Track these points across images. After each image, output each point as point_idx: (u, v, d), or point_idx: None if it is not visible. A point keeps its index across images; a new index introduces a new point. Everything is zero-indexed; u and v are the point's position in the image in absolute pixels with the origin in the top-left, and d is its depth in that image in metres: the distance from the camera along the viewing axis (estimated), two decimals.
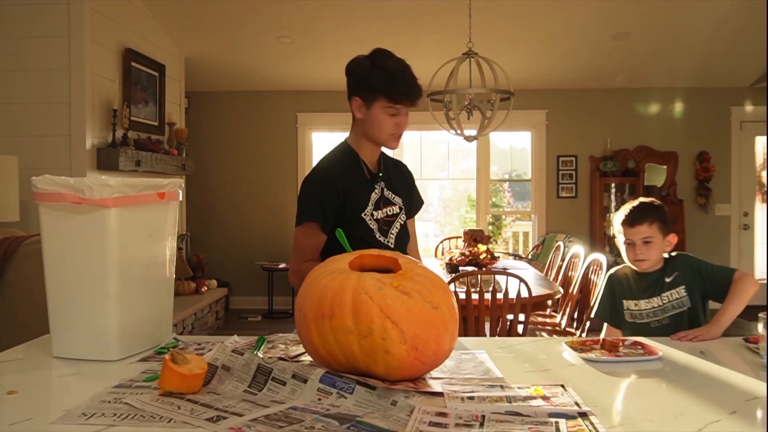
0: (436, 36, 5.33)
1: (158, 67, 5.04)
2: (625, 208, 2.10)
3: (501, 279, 3.56)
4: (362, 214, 1.85)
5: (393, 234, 1.91)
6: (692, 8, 4.99)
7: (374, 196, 1.89)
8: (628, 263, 2.14)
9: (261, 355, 1.36)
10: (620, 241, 2.10)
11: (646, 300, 2.06)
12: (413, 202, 2.06)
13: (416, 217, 2.13)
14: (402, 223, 1.95)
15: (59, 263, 1.49)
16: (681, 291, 2.00)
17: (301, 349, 1.50)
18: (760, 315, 1.46)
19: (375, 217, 1.88)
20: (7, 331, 2.26)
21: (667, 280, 2.03)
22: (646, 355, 1.51)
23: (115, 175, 4.22)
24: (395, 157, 2.12)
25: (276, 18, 5.15)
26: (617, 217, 2.10)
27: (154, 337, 1.61)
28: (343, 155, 1.91)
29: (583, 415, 1.08)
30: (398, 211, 1.94)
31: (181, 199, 1.68)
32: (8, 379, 1.35)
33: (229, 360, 1.28)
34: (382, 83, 1.74)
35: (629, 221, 2.06)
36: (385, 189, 1.92)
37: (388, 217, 1.91)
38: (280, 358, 1.40)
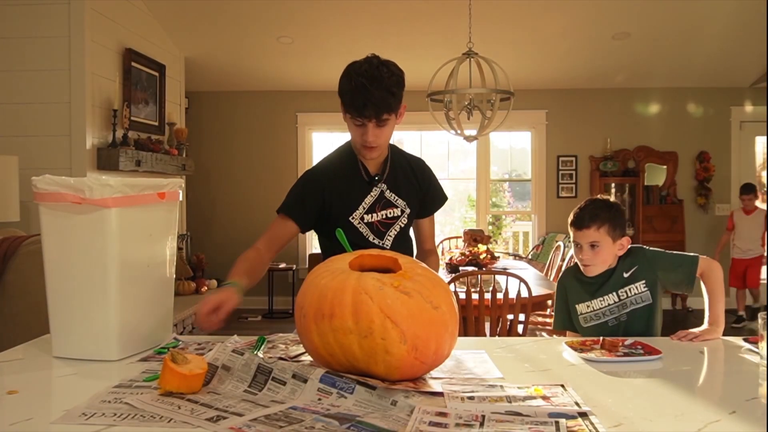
0: (436, 36, 5.33)
1: (158, 67, 5.04)
2: (578, 206, 1.98)
3: (501, 279, 3.56)
4: (350, 218, 1.85)
5: (391, 236, 1.90)
6: (692, 8, 4.99)
7: (369, 199, 1.87)
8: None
9: (261, 355, 1.36)
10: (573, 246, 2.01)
11: (600, 298, 1.94)
12: (428, 201, 2.02)
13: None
14: (403, 225, 1.93)
15: (59, 263, 1.49)
16: (641, 286, 1.89)
17: (301, 349, 1.50)
18: (760, 315, 1.46)
19: (366, 221, 1.86)
20: (7, 331, 2.26)
21: (626, 275, 1.92)
22: (645, 354, 1.51)
23: (116, 175, 4.22)
24: (415, 156, 2.06)
25: (276, 18, 5.15)
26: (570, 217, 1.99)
27: (154, 337, 1.61)
28: (341, 156, 1.92)
29: (583, 415, 1.08)
30: (399, 213, 1.91)
31: (181, 199, 1.68)
32: (8, 379, 1.35)
33: (229, 360, 1.28)
34: (344, 93, 1.73)
35: (576, 223, 1.93)
36: (387, 191, 1.90)
37: (386, 219, 1.89)
38: (280, 358, 1.40)
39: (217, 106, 6.77)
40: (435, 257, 2.03)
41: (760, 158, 6.82)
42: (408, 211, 1.93)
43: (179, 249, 5.40)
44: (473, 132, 4.38)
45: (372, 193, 1.88)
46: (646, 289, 1.89)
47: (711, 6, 4.97)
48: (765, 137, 6.62)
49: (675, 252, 1.96)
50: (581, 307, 1.97)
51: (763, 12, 4.61)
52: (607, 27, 5.32)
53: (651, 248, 1.96)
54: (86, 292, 1.47)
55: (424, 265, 1.40)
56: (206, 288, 5.65)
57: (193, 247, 6.04)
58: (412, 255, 1.97)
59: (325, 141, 7.06)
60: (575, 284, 2.01)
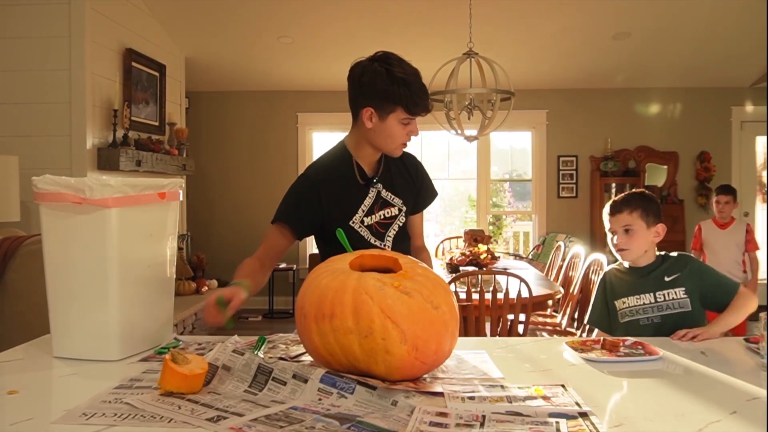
0: (437, 36, 5.33)
1: (158, 67, 5.04)
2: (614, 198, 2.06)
3: (501, 279, 3.56)
4: (350, 222, 1.82)
5: (390, 236, 1.88)
6: (692, 8, 4.99)
7: (368, 201, 1.85)
8: (618, 258, 2.07)
9: (261, 355, 1.36)
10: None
11: (636, 296, 1.97)
12: (421, 197, 2.00)
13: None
14: (401, 224, 1.92)
15: (60, 263, 1.49)
16: (681, 292, 1.92)
17: (301, 349, 1.50)
18: (760, 315, 1.46)
19: (366, 223, 1.85)
20: (8, 331, 2.26)
21: (667, 279, 1.95)
22: (646, 355, 1.51)
23: (116, 175, 4.22)
24: (408, 152, 2.02)
25: (276, 18, 5.15)
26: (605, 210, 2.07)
27: (155, 337, 1.61)
28: (337, 159, 1.87)
29: (584, 415, 1.08)
30: (397, 212, 1.90)
31: (181, 199, 1.68)
32: (8, 379, 1.35)
33: (230, 360, 1.28)
34: (404, 98, 1.70)
35: (611, 209, 2.02)
36: (384, 190, 1.88)
37: (385, 219, 1.88)
38: (281, 358, 1.40)
39: (217, 106, 6.77)
40: (426, 253, 2.03)
41: (760, 158, 6.82)
42: (405, 209, 1.92)
43: (179, 249, 5.40)
44: (473, 132, 4.38)
45: (370, 195, 1.86)
46: (685, 296, 1.91)
47: (711, 6, 4.97)
48: (765, 137, 6.62)
49: (722, 273, 1.99)
50: (618, 303, 2.01)
51: (764, 12, 4.61)
52: (607, 27, 5.32)
53: (700, 260, 2.01)
54: (86, 292, 1.47)
55: (424, 265, 1.40)
56: (206, 288, 5.65)
57: (193, 247, 6.04)
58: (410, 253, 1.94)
59: (325, 141, 7.05)
60: (616, 280, 2.05)
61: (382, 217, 1.87)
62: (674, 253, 2.04)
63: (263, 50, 5.79)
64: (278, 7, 4.98)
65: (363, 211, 1.84)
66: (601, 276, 2.16)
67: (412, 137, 1.81)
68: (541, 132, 6.75)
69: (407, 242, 1.98)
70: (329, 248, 1.81)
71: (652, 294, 1.95)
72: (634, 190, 2.09)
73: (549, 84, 6.53)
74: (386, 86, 1.69)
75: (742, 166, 6.69)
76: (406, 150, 2.00)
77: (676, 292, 1.93)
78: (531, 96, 6.41)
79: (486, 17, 4.76)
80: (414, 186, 1.97)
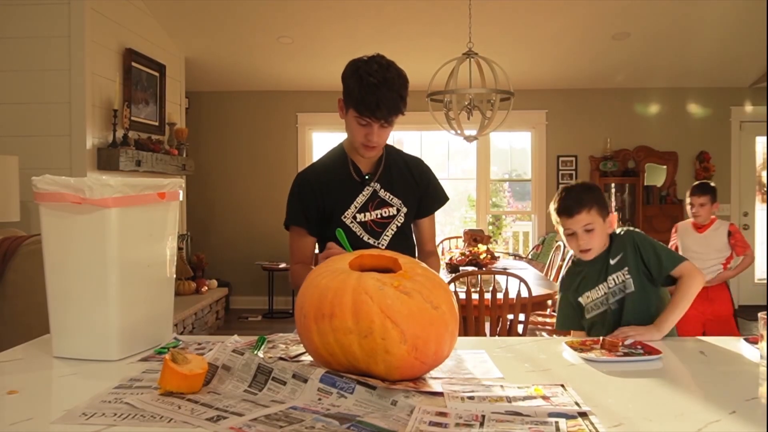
0: (436, 36, 5.33)
1: (158, 67, 5.04)
2: (558, 196, 1.92)
3: (501, 279, 3.56)
4: (342, 217, 1.84)
5: (387, 236, 1.88)
6: (692, 8, 4.99)
7: (361, 198, 1.86)
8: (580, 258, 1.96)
9: (261, 355, 1.36)
10: (561, 231, 1.97)
11: (594, 289, 1.90)
12: (427, 200, 1.99)
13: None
14: (399, 224, 1.91)
15: (59, 263, 1.49)
16: (624, 273, 1.84)
17: (301, 348, 1.50)
18: (760, 315, 1.46)
19: (360, 220, 1.86)
20: (7, 331, 2.26)
21: (612, 261, 1.87)
22: (646, 355, 1.51)
23: (116, 175, 4.22)
24: (413, 155, 2.04)
25: (276, 18, 5.15)
26: (552, 207, 1.93)
27: (155, 337, 1.61)
28: (332, 157, 1.93)
29: (583, 414, 1.08)
30: (395, 212, 1.90)
31: (181, 199, 1.68)
32: (8, 379, 1.35)
33: (230, 360, 1.28)
34: (354, 93, 1.71)
35: (566, 211, 1.88)
36: (381, 190, 1.89)
37: (381, 218, 1.88)
38: (281, 358, 1.40)
39: (217, 106, 6.77)
40: (435, 258, 2.02)
41: (760, 158, 6.82)
42: (405, 210, 1.91)
43: (179, 249, 5.41)
44: (473, 132, 4.38)
45: (364, 192, 1.87)
46: (628, 276, 1.84)
47: (711, 6, 4.98)
48: (765, 137, 6.62)
49: (665, 248, 1.89)
50: (583, 299, 1.95)
51: (763, 12, 4.61)
52: (607, 27, 5.32)
53: (643, 234, 1.90)
54: (86, 292, 1.47)
55: (424, 265, 1.40)
56: (206, 288, 5.66)
57: (193, 247, 6.04)
58: (413, 256, 1.93)
59: (325, 141, 7.05)
60: (575, 276, 1.98)
61: (379, 216, 1.88)
62: (619, 230, 1.94)
63: (263, 50, 5.79)
64: (278, 7, 4.98)
65: (355, 207, 1.86)
66: (559, 280, 2.09)
67: (374, 144, 1.78)
68: (540, 132, 6.75)
69: (409, 244, 1.97)
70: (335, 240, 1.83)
71: (604, 283, 1.88)
72: (574, 183, 1.96)
73: (548, 84, 6.53)
74: (348, 81, 1.74)
75: (742, 166, 6.69)
76: (413, 155, 2.04)
77: (622, 274, 1.85)
78: (530, 96, 6.42)
79: (485, 17, 4.76)
80: (417, 189, 1.96)
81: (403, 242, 1.92)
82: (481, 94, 4.20)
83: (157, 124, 5.04)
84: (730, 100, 6.58)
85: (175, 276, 1.71)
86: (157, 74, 5.03)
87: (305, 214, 1.88)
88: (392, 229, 1.89)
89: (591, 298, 1.93)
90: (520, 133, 7.12)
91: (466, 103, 4.26)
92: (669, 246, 3.41)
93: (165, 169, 4.87)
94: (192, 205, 6.26)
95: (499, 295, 3.31)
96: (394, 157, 1.96)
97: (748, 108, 6.57)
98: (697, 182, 3.89)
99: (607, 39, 5.51)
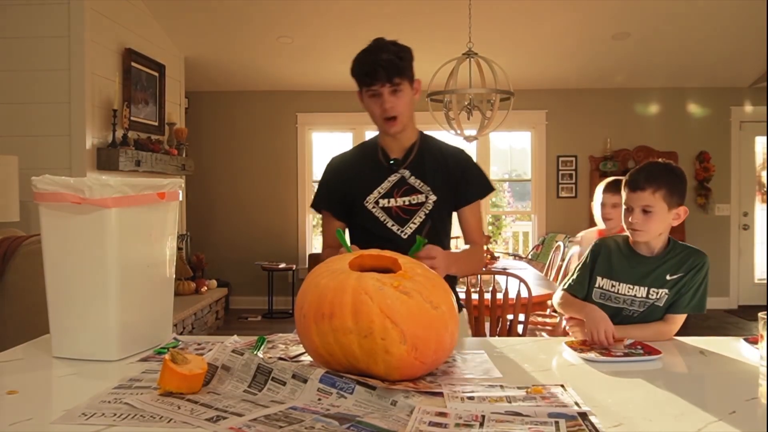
0: (436, 36, 5.33)
1: (158, 67, 5.04)
2: (634, 168, 1.80)
3: (501, 279, 3.56)
4: (364, 202, 1.84)
5: (414, 224, 1.82)
6: (692, 8, 4.99)
7: (387, 184, 1.84)
8: (626, 232, 1.82)
9: (261, 355, 1.36)
10: (596, 208, 1.83)
11: (630, 285, 1.76)
12: (462, 188, 1.88)
13: None
14: (428, 212, 1.83)
15: (59, 263, 1.49)
16: (666, 293, 1.75)
17: (301, 349, 1.50)
18: (760, 315, 1.45)
19: (383, 205, 1.83)
20: (7, 331, 2.26)
21: (669, 277, 1.74)
22: (646, 355, 1.51)
23: (115, 175, 4.22)
24: (453, 145, 1.97)
25: (276, 18, 5.15)
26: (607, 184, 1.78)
27: (154, 337, 1.61)
28: (364, 144, 1.98)
29: (583, 415, 1.08)
30: (423, 200, 1.84)
31: (181, 199, 1.68)
32: (8, 379, 1.35)
33: (229, 360, 1.28)
34: (355, 70, 1.77)
35: (631, 184, 1.75)
36: (411, 177, 1.85)
37: (408, 205, 1.84)
38: (280, 358, 1.40)
39: (217, 106, 6.77)
40: (474, 247, 1.90)
41: (759, 158, 6.83)
42: (434, 198, 1.83)
43: (179, 249, 5.41)
44: (473, 132, 4.38)
45: (390, 178, 1.85)
46: (666, 296, 1.74)
47: (711, 6, 4.98)
48: (765, 137, 6.62)
49: (703, 292, 1.75)
50: (603, 282, 1.80)
51: (763, 12, 4.62)
52: (606, 27, 5.32)
53: (706, 269, 1.76)
54: (86, 292, 1.47)
55: (424, 265, 1.40)
56: (206, 288, 5.65)
57: (192, 247, 6.04)
58: (441, 246, 1.73)
59: (325, 141, 7.06)
60: (612, 257, 1.81)
61: (406, 203, 1.84)
62: (688, 246, 1.80)
63: (263, 50, 5.79)
64: (278, 7, 4.98)
65: (379, 192, 1.85)
66: (594, 243, 1.90)
67: (390, 112, 1.76)
68: (540, 132, 6.75)
69: (439, 237, 1.84)
70: (363, 234, 1.85)
71: (646, 288, 1.75)
72: (660, 160, 1.81)
73: (548, 84, 6.54)
74: (352, 65, 1.77)
75: (742, 166, 6.70)
76: (454, 145, 1.98)
77: (664, 292, 1.75)
78: (530, 96, 6.42)
79: (485, 17, 4.76)
80: (451, 177, 1.88)
81: (434, 235, 1.79)
82: (481, 94, 4.20)
83: (156, 124, 5.04)
84: (730, 100, 6.59)
85: (174, 276, 1.71)
86: (156, 74, 5.03)
87: (330, 197, 1.92)
88: (420, 217, 1.83)
89: (618, 290, 1.78)
90: (520, 133, 7.12)
91: (466, 103, 4.25)
92: (572, 262, 3.12)
93: (164, 169, 4.87)
94: (192, 205, 6.26)
95: (499, 296, 3.31)
96: (429, 145, 1.91)
97: (748, 108, 6.57)
98: (612, 177, 3.03)
99: (606, 39, 5.51)
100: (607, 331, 1.61)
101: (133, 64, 4.60)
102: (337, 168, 1.93)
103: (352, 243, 1.73)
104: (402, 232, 1.82)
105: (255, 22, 5.21)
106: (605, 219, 2.88)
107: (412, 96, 1.81)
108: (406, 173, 1.86)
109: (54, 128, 4.04)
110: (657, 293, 1.75)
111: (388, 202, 1.84)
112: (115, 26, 4.47)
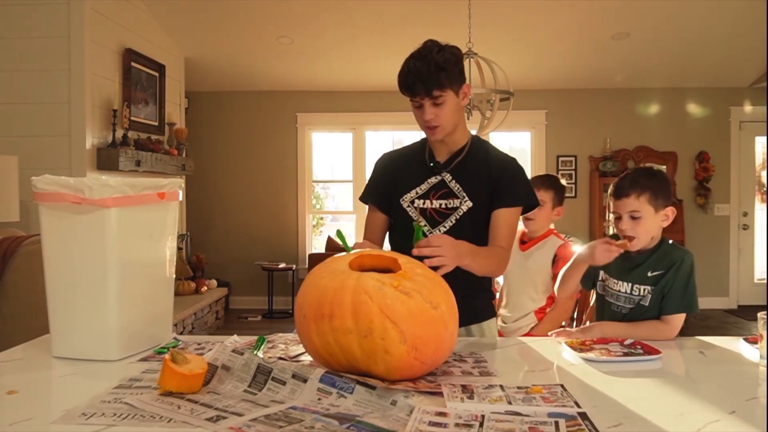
0: (436, 36, 5.26)
1: (158, 67, 5.04)
2: (618, 177, 1.84)
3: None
4: (401, 200, 1.86)
5: (445, 227, 1.82)
6: (692, 8, 4.99)
7: (426, 185, 1.85)
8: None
9: (261, 355, 1.36)
10: (609, 216, 1.87)
11: (615, 280, 1.82)
12: (497, 196, 1.82)
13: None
14: (459, 216, 1.81)
15: (59, 263, 1.49)
16: (649, 290, 1.77)
17: (300, 348, 1.50)
18: (759, 315, 1.46)
19: (418, 206, 1.85)
20: (7, 331, 2.26)
21: (650, 274, 1.77)
22: (645, 355, 1.51)
23: (115, 175, 4.22)
24: (505, 153, 1.92)
25: (276, 18, 5.15)
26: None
27: (154, 337, 1.61)
28: (416, 142, 1.99)
29: (583, 414, 1.08)
30: (458, 205, 1.83)
31: (181, 199, 1.68)
32: (8, 379, 1.35)
33: (229, 360, 1.28)
34: (398, 80, 1.77)
35: (616, 192, 1.79)
36: (452, 181, 1.84)
37: (443, 209, 1.83)
38: (280, 358, 1.40)
39: (217, 106, 6.77)
40: (498, 248, 1.80)
41: (759, 158, 6.83)
42: (469, 204, 1.81)
43: (179, 249, 5.41)
44: (473, 132, 4.38)
45: (430, 180, 1.86)
46: (650, 294, 1.77)
47: (711, 6, 4.98)
48: (765, 137, 6.62)
49: (692, 291, 1.74)
50: (602, 275, 1.87)
51: (763, 12, 4.62)
52: (606, 27, 5.32)
53: (693, 264, 1.76)
54: (86, 292, 1.47)
55: (424, 265, 1.40)
56: (206, 288, 5.66)
57: (192, 247, 6.05)
58: None
59: (325, 141, 7.05)
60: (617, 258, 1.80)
61: (442, 206, 1.83)
62: (671, 243, 1.84)
63: (263, 50, 5.79)
64: (278, 7, 4.98)
65: (416, 193, 1.86)
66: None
67: (430, 123, 1.76)
68: (540, 132, 6.75)
69: (469, 240, 1.75)
70: (398, 238, 1.89)
71: (630, 284, 1.80)
72: (642, 166, 1.85)
73: (548, 84, 6.54)
74: (398, 74, 1.77)
75: (741, 166, 6.70)
76: (507, 155, 1.93)
77: (646, 290, 1.77)
78: (530, 96, 6.41)
79: (485, 17, 4.77)
80: (489, 184, 1.83)
81: (460, 237, 1.69)
82: (481, 94, 4.20)
83: (156, 124, 5.04)
84: (730, 100, 6.59)
85: (174, 276, 1.71)
86: (156, 74, 5.03)
87: (377, 192, 1.95)
88: (451, 221, 1.82)
89: (608, 285, 1.87)
90: (520, 133, 7.11)
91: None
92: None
93: (164, 169, 4.87)
94: (192, 205, 6.26)
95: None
96: (477, 151, 1.88)
97: (748, 108, 6.57)
98: (541, 174, 2.73)
99: (606, 39, 5.51)
100: (602, 242, 1.72)
101: (133, 64, 4.60)
102: (384, 164, 1.98)
103: (390, 239, 1.79)
104: (432, 234, 1.81)
105: (255, 22, 5.21)
106: (524, 220, 2.59)
107: (457, 103, 1.78)
108: (447, 177, 1.86)
109: (54, 128, 4.04)
110: (640, 290, 1.79)
111: (424, 203, 1.85)
112: (115, 26, 4.47)
